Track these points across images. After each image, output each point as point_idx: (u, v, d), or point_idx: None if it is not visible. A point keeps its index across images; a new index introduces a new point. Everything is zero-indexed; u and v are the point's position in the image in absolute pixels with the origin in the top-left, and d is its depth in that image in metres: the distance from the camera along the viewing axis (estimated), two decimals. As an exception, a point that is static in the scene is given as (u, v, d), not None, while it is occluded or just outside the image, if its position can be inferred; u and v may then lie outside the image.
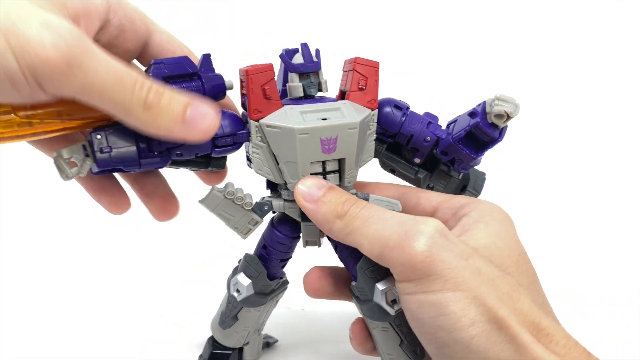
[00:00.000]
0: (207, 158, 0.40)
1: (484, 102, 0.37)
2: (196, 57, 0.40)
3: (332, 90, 0.40)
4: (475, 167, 0.43)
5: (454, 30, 0.97)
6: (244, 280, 0.42)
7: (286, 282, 0.45)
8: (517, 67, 0.93)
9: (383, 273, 0.36)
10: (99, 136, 0.34)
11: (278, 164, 0.37)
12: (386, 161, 0.43)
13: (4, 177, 0.84)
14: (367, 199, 0.38)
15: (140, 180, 0.41)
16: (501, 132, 0.38)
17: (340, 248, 0.40)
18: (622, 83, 0.92)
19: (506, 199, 0.43)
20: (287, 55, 0.38)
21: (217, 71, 0.38)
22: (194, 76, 0.37)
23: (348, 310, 0.57)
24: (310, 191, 0.36)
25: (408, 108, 0.41)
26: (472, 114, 0.38)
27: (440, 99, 0.71)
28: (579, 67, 0.94)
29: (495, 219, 0.36)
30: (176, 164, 0.39)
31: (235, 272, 0.44)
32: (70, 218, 0.75)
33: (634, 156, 0.82)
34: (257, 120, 0.36)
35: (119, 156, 0.34)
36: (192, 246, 0.70)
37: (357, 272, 0.38)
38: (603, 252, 0.67)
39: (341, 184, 0.38)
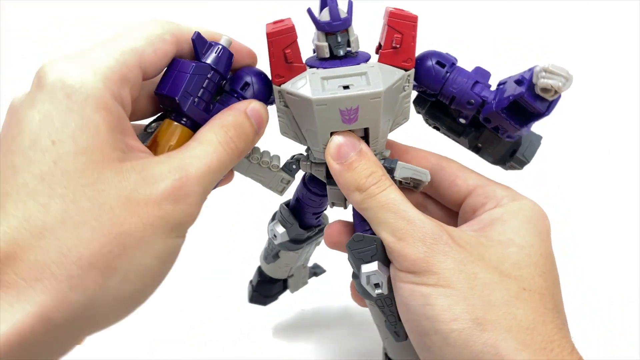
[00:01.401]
0: None
1: (532, 68, 0.32)
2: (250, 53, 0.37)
3: (370, 43, 0.37)
4: (532, 132, 0.38)
5: (454, 31, 0.97)
6: (279, 228, 0.44)
7: (321, 231, 0.46)
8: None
9: (368, 257, 0.36)
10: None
11: (301, 130, 0.36)
12: (429, 119, 0.39)
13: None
14: (394, 168, 0.37)
15: None
16: (549, 106, 0.33)
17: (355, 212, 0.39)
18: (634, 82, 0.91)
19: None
20: (315, 10, 0.35)
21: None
22: (224, 84, 0.35)
23: (348, 310, 0.57)
24: (340, 151, 0.35)
25: (454, 64, 0.36)
26: (518, 81, 0.33)
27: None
28: (591, 67, 0.93)
29: (523, 216, 0.35)
30: None
31: (274, 217, 0.45)
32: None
33: (635, 156, 0.82)
34: (279, 85, 0.35)
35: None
36: (205, 246, 0.70)
37: (347, 250, 0.37)
38: (603, 252, 0.67)
39: None
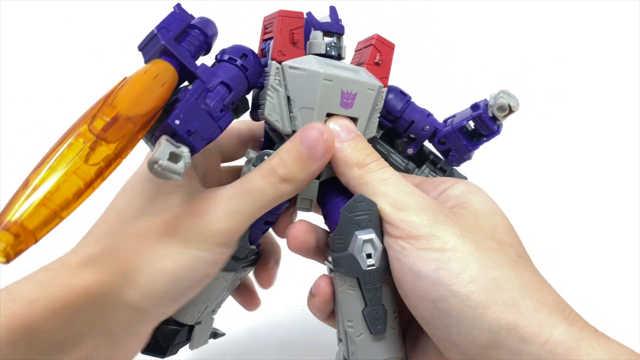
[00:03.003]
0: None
1: (485, 99, 0.40)
2: None
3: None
4: (459, 171, 0.44)
5: (454, 31, 0.97)
6: None
7: (258, 259, 0.44)
8: (522, 67, 0.93)
9: (365, 223, 0.35)
10: (177, 121, 0.32)
11: (291, 111, 0.37)
12: (379, 148, 0.43)
13: (3, 179, 0.84)
14: None
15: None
16: (499, 126, 0.40)
17: (329, 200, 0.39)
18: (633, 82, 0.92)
19: (505, 199, 0.43)
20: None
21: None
22: (190, 29, 0.36)
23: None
24: (341, 130, 0.37)
25: (411, 98, 0.42)
26: (474, 106, 0.40)
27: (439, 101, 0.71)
28: (585, 68, 0.93)
29: (481, 192, 0.37)
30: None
31: None
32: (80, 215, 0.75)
33: (633, 157, 0.82)
34: (280, 62, 0.36)
35: (203, 130, 0.33)
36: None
37: (340, 216, 0.36)
38: (603, 253, 0.67)
39: None
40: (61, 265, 0.33)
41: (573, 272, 0.63)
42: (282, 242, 0.45)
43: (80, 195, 0.27)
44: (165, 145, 0.30)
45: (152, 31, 0.34)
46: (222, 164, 0.44)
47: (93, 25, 0.90)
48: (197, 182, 0.38)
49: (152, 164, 0.30)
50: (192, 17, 0.36)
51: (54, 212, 0.26)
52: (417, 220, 0.33)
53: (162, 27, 0.34)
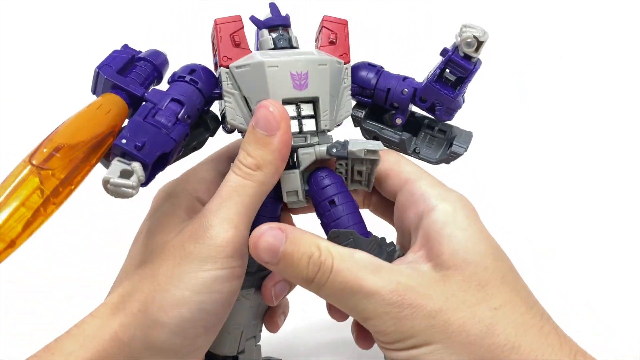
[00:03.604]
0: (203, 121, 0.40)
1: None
2: None
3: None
4: (459, 127, 0.42)
5: (453, 31, 0.96)
6: None
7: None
8: (528, 66, 0.93)
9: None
10: (124, 140, 0.32)
11: (251, 110, 0.37)
12: (368, 128, 0.42)
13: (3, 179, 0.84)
14: (347, 144, 0.37)
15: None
16: (475, 63, 0.38)
17: (322, 220, 0.38)
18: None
19: (504, 197, 0.43)
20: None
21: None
22: (135, 61, 0.38)
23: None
24: (269, 248, 0.32)
25: (382, 67, 0.41)
26: (443, 52, 0.38)
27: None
28: (585, 68, 0.93)
29: (462, 219, 0.34)
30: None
31: None
32: (81, 218, 0.75)
33: (632, 155, 0.82)
34: (227, 67, 0.37)
35: (152, 143, 0.33)
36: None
37: None
38: (601, 249, 0.67)
39: (317, 129, 0.37)
40: (91, 318, 0.34)
41: (571, 269, 0.63)
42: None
43: (29, 225, 0.28)
44: (114, 164, 0.32)
45: (95, 70, 0.36)
46: None
47: (93, 25, 0.90)
48: (184, 213, 0.38)
49: (104, 183, 0.31)
50: (137, 52, 0.39)
51: (8, 245, 0.28)
52: (385, 329, 0.32)
53: (104, 64, 0.36)
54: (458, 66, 0.37)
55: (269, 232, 0.33)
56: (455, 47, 0.37)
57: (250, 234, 0.33)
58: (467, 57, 0.37)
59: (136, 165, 0.32)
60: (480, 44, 0.36)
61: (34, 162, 0.29)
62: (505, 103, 0.85)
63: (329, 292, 0.32)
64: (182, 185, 0.39)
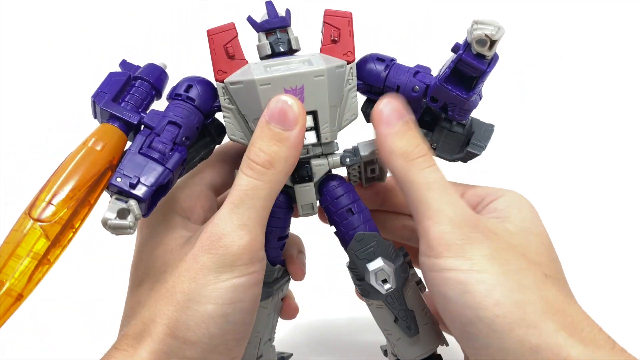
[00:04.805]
0: (208, 133, 0.40)
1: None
2: None
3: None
4: (480, 120, 0.40)
5: (453, 30, 0.96)
6: None
7: (287, 272, 0.43)
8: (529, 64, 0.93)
9: (372, 254, 0.37)
10: (119, 179, 0.33)
11: (248, 126, 0.35)
12: None
13: (3, 185, 0.84)
14: (357, 149, 0.38)
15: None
16: (490, 62, 0.34)
17: (337, 229, 0.39)
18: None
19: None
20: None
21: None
22: (132, 80, 0.37)
23: (350, 310, 0.57)
24: (390, 114, 0.34)
25: (392, 60, 0.38)
26: (455, 48, 0.35)
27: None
28: (585, 68, 0.93)
29: (525, 206, 0.37)
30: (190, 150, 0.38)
31: None
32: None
33: (633, 156, 0.82)
34: (223, 81, 0.35)
35: (147, 178, 0.33)
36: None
37: (348, 254, 0.38)
38: (600, 248, 0.67)
39: (319, 141, 0.36)
40: (116, 352, 0.32)
41: (571, 269, 0.63)
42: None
43: (34, 275, 0.30)
44: (112, 204, 0.32)
45: (91, 99, 0.36)
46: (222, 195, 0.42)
47: (93, 25, 0.90)
48: (184, 223, 0.37)
49: (104, 224, 0.32)
50: (135, 67, 0.38)
51: (15, 299, 0.29)
52: (449, 239, 0.32)
53: (99, 92, 0.36)
54: (470, 66, 0.34)
55: (397, 104, 0.35)
56: (467, 44, 0.34)
57: (263, 238, 0.34)
58: (480, 56, 0.34)
59: (132, 204, 0.32)
60: (493, 43, 0.33)
61: (33, 215, 0.30)
62: (505, 103, 0.85)
63: (420, 179, 0.34)
64: (170, 205, 0.38)
